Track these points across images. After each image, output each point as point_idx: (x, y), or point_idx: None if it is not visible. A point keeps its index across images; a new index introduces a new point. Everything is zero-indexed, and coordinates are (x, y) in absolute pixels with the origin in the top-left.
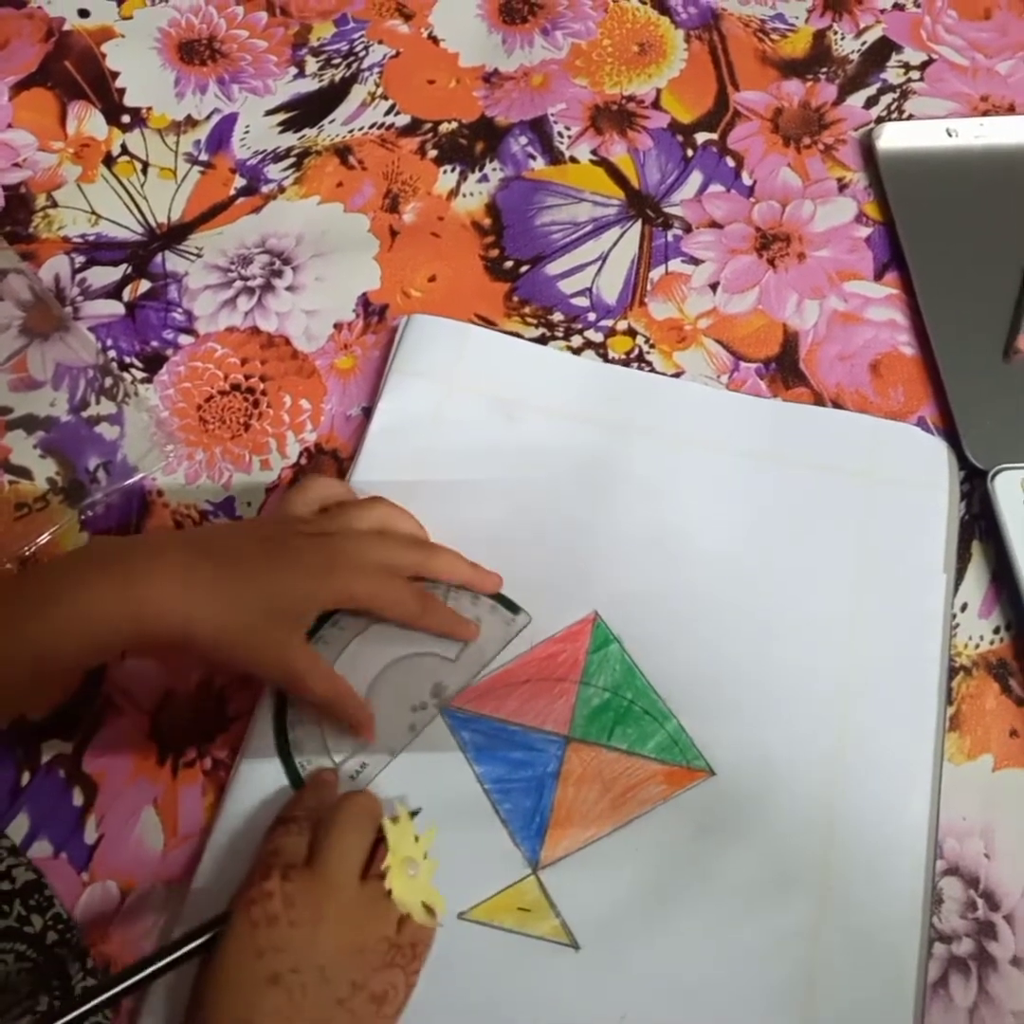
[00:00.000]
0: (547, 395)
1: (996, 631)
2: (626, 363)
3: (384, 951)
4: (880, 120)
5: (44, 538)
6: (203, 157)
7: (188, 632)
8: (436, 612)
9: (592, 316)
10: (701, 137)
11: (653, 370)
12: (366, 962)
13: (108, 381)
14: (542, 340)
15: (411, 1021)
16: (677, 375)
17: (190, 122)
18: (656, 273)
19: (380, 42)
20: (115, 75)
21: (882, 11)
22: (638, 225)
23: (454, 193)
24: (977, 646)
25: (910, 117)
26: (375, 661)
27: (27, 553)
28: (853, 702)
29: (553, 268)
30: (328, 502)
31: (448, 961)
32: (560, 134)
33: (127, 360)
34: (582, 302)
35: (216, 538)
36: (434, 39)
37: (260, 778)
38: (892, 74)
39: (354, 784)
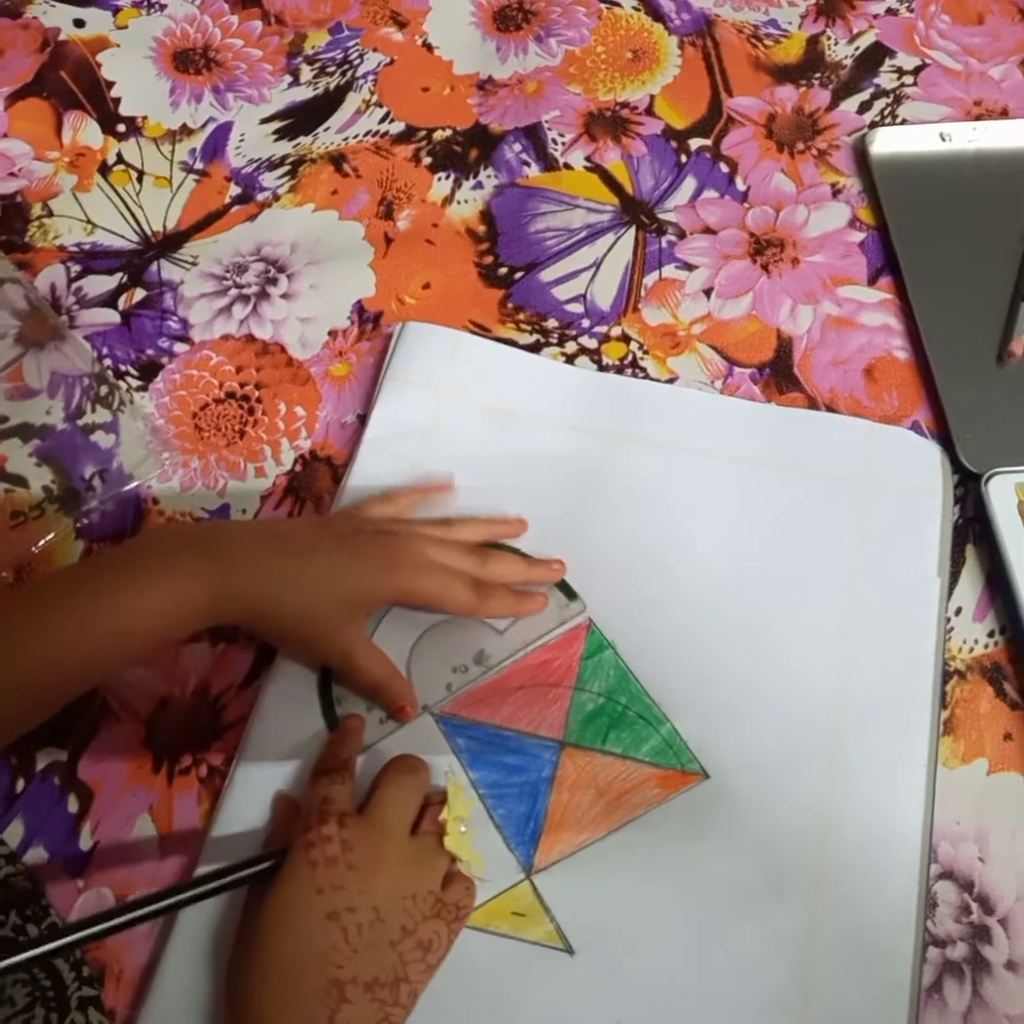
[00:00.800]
0: (541, 404)
1: (990, 635)
2: (620, 369)
3: (432, 903)
4: (873, 125)
5: (40, 546)
6: (198, 166)
7: (261, 612)
8: (495, 599)
9: (586, 322)
10: (695, 143)
11: (647, 376)
12: (417, 909)
13: (104, 389)
14: (536, 346)
15: None
16: (671, 381)
17: (185, 131)
18: (650, 279)
19: (374, 50)
20: (110, 84)
21: (875, 16)
22: (632, 231)
23: (449, 200)
24: (971, 650)
25: (903, 122)
26: (421, 621)
27: (25, 560)
28: (847, 706)
29: (547, 275)
30: (403, 513)
31: (443, 966)
32: (554, 141)
33: (122, 368)
34: (576, 308)
35: (290, 530)
36: (428, 47)
37: (256, 785)
38: (885, 79)
39: (383, 729)
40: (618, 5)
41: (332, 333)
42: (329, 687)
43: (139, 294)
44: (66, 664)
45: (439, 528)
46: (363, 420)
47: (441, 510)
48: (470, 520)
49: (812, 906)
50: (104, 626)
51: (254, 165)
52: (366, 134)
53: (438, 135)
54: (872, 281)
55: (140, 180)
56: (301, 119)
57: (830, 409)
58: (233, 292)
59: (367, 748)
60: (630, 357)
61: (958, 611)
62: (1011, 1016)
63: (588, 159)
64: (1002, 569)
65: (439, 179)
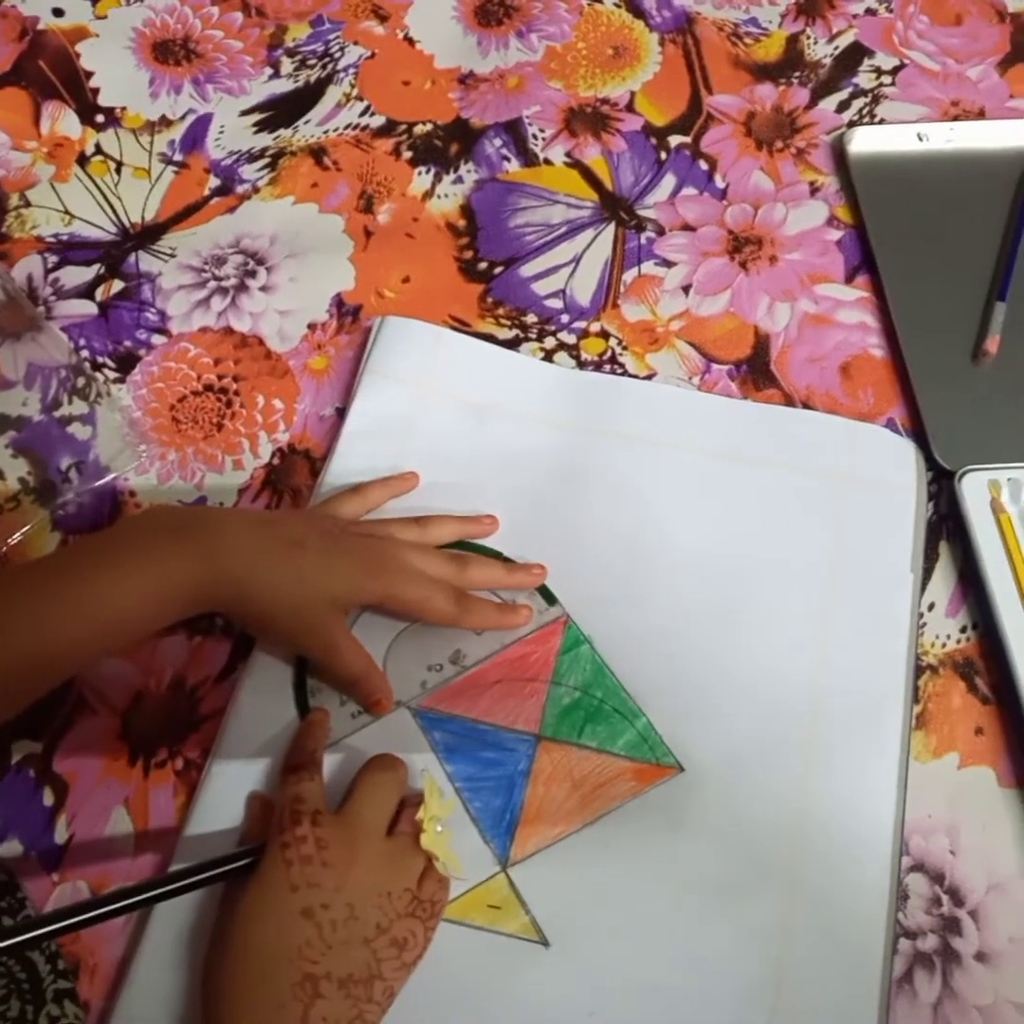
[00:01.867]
0: (519, 400)
1: (963, 630)
2: (599, 365)
3: (407, 901)
4: (852, 124)
5: (15, 538)
6: (177, 157)
7: (249, 597)
8: (476, 612)
9: (565, 318)
10: (674, 140)
11: (625, 372)
12: (392, 907)
13: (80, 381)
14: (516, 341)
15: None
16: (649, 377)
17: (164, 122)
18: (629, 275)
19: (355, 43)
20: (89, 75)
21: (855, 16)
22: (611, 227)
23: (429, 194)
24: (944, 645)
25: (881, 121)
26: (398, 621)
27: (0, 552)
28: (821, 700)
29: (527, 270)
30: (371, 512)
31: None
32: (534, 136)
33: (100, 360)
34: (556, 304)
35: (277, 519)
36: (410, 40)
37: (232, 778)
38: (864, 79)
39: (358, 722)
40: (599, 1)
41: (311, 326)
42: (304, 679)
43: (117, 285)
44: (51, 649)
45: (414, 529)
46: (342, 413)
47: (418, 506)
48: (443, 519)
49: (785, 898)
50: (89, 610)
51: (234, 157)
52: (347, 127)
53: (419, 129)
54: (849, 279)
55: (119, 171)
56: (281, 111)
57: (806, 406)
58: (212, 284)
59: (340, 741)
60: (609, 353)
61: (931, 607)
62: (980, 1007)
63: (568, 155)
64: (975, 566)
65: (419, 173)
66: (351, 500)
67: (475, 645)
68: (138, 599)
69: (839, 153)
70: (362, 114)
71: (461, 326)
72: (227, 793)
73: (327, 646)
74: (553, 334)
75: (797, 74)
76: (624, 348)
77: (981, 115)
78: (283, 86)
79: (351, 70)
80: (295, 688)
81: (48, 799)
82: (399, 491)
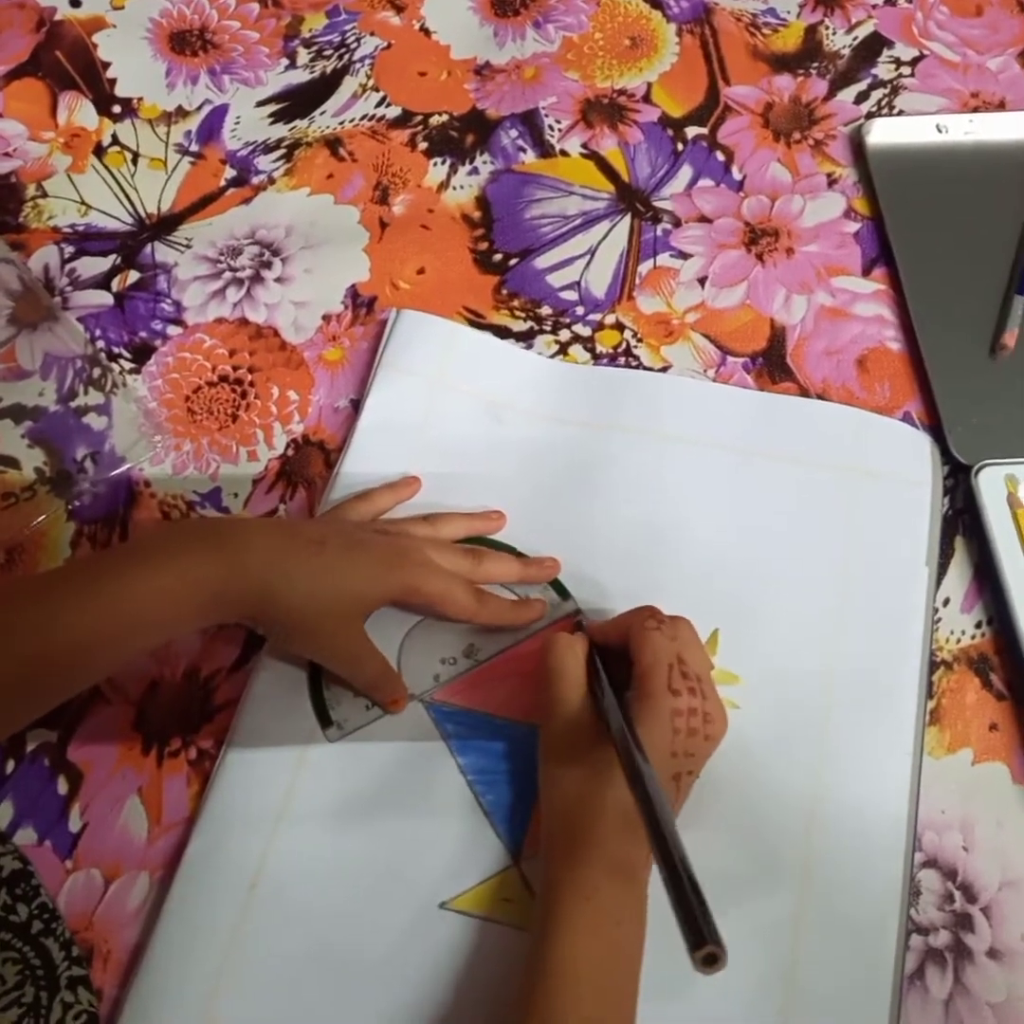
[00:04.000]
0: (533, 397)
1: (978, 626)
2: (614, 357)
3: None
4: (870, 116)
5: (31, 527)
6: (193, 148)
7: (272, 599)
8: (493, 607)
9: (580, 310)
10: (691, 131)
11: (640, 364)
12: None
13: (96, 371)
14: (530, 333)
15: (391, 1010)
16: (664, 369)
17: (181, 113)
18: (645, 267)
19: (372, 34)
20: (106, 65)
21: (874, 6)
22: (627, 219)
23: (444, 186)
24: (959, 641)
25: (900, 113)
26: (411, 615)
27: (16, 541)
28: (835, 694)
29: (542, 261)
30: (382, 513)
31: (430, 950)
32: (551, 127)
33: (115, 350)
34: (571, 296)
35: (300, 524)
36: (426, 31)
37: (246, 768)
38: (883, 70)
39: (369, 715)
40: None
41: (326, 317)
42: (319, 686)
43: (133, 276)
44: (70, 648)
45: (425, 526)
46: (356, 405)
47: (433, 501)
48: (453, 516)
49: (798, 893)
50: (112, 609)
51: (249, 148)
52: (362, 118)
53: (434, 120)
54: (866, 272)
55: (135, 162)
56: (297, 102)
57: (822, 399)
58: (227, 275)
59: (355, 731)
60: (624, 345)
61: (946, 602)
62: (992, 1003)
63: (584, 146)
64: (990, 561)
65: (435, 164)
66: (359, 505)
67: (488, 639)
68: (161, 599)
69: (857, 145)
70: (378, 105)
71: (476, 318)
72: (241, 783)
73: (348, 654)
74: (568, 326)
75: (815, 65)
76: (639, 340)
77: (1001, 107)
78: (299, 77)
79: (367, 61)
80: (312, 696)
81: (62, 787)
82: (404, 497)
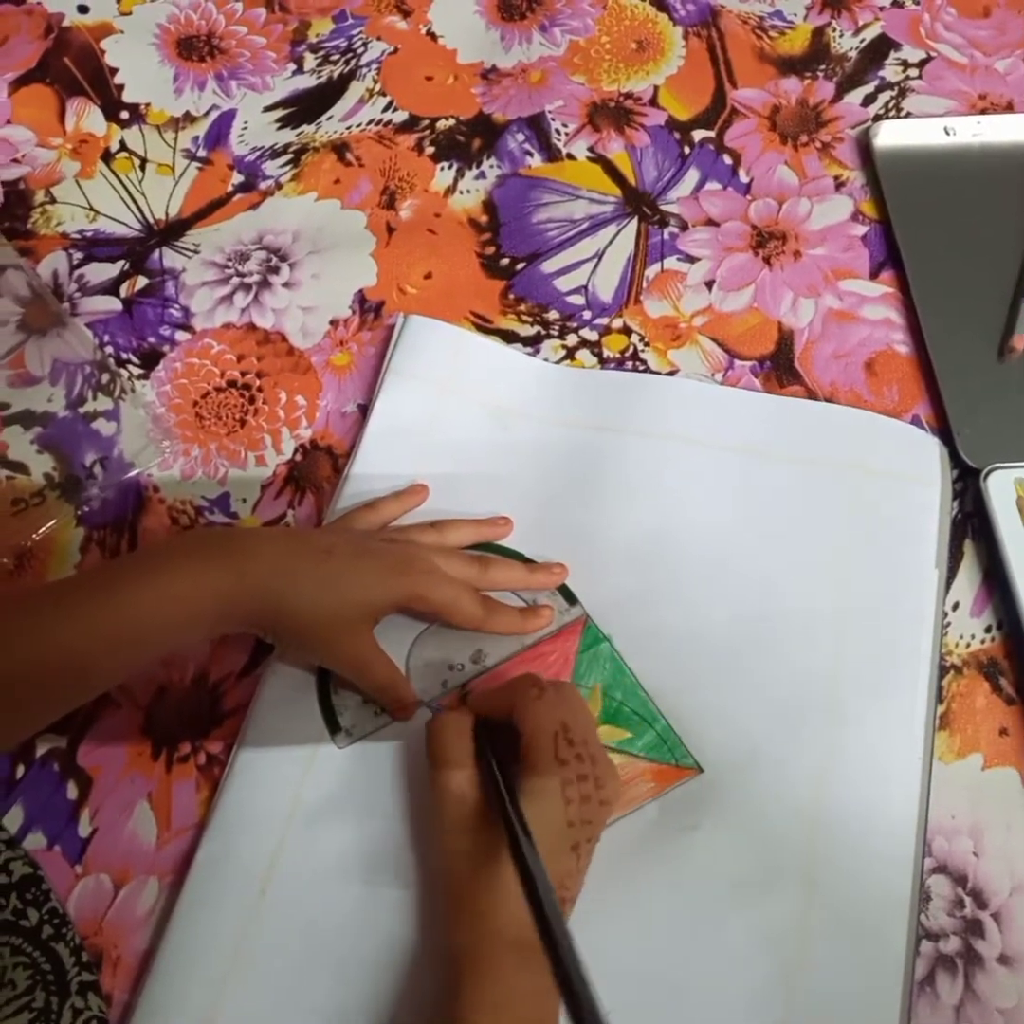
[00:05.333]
0: (542, 404)
1: (987, 630)
2: (621, 361)
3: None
4: (878, 118)
5: (40, 533)
6: (201, 153)
7: (279, 606)
8: (500, 616)
9: (587, 314)
10: (698, 134)
11: (648, 369)
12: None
13: (105, 377)
14: (537, 338)
15: (401, 1015)
16: (672, 373)
17: (188, 118)
18: (652, 271)
19: (378, 39)
20: (114, 71)
21: (881, 8)
22: (634, 223)
23: (451, 190)
24: (968, 645)
25: (908, 115)
26: (418, 622)
27: (25, 546)
28: (842, 699)
29: (549, 265)
30: (389, 522)
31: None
32: (557, 131)
33: (124, 356)
34: (578, 300)
35: (307, 533)
36: (432, 35)
37: (255, 773)
38: (890, 72)
39: (378, 721)
40: None
41: (333, 322)
42: (328, 692)
43: (141, 282)
44: (74, 654)
45: (432, 534)
46: (364, 410)
47: (441, 509)
48: (460, 522)
49: (805, 899)
50: (118, 616)
51: (257, 153)
52: (369, 123)
53: (441, 124)
54: (874, 275)
55: (143, 167)
56: (304, 107)
57: (830, 402)
58: (235, 280)
59: (363, 737)
60: (631, 349)
61: (955, 606)
62: (1003, 1009)
63: (591, 150)
64: (1000, 565)
65: (442, 169)
66: (366, 514)
67: (496, 645)
68: (170, 608)
69: (865, 147)
70: (385, 110)
71: (483, 322)
72: (250, 787)
73: (357, 660)
74: (575, 331)
75: (822, 67)
76: (646, 345)
77: (1009, 109)
78: (306, 82)
79: (374, 66)
80: (321, 703)
81: (72, 793)
82: (411, 505)
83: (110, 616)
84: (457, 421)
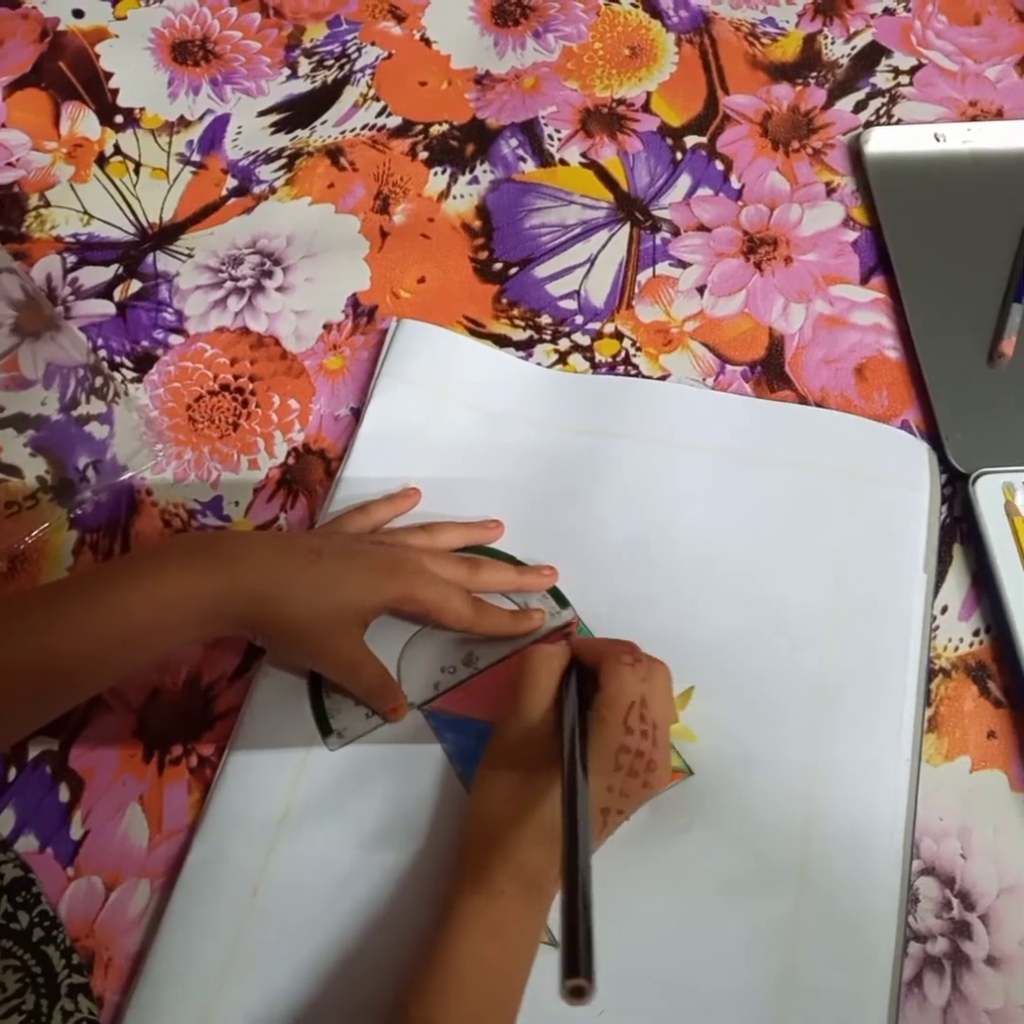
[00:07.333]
0: (534, 407)
1: (976, 634)
2: (613, 366)
3: None
4: (869, 125)
5: (33, 536)
6: (195, 158)
7: (270, 612)
8: (491, 617)
9: (580, 319)
10: (690, 140)
11: (639, 373)
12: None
13: (98, 380)
14: (530, 342)
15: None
16: (663, 378)
17: (183, 123)
18: (644, 276)
19: (372, 44)
20: (109, 75)
21: (872, 16)
22: (626, 228)
23: (444, 195)
24: (956, 648)
25: (899, 122)
26: (409, 625)
27: (18, 549)
28: (832, 702)
29: (542, 270)
30: (380, 526)
31: None
32: (550, 137)
33: (117, 359)
34: (570, 305)
35: (296, 536)
36: (426, 41)
37: (247, 775)
38: (881, 79)
39: (369, 723)
40: (616, 1)
41: (327, 326)
42: (320, 694)
43: (135, 286)
44: (90, 656)
45: (422, 536)
46: (357, 414)
47: (434, 513)
48: (450, 525)
49: (795, 901)
50: (107, 617)
51: (251, 158)
52: (363, 128)
53: (435, 130)
54: (864, 280)
55: (137, 172)
56: (298, 112)
57: (821, 407)
58: (228, 284)
59: (355, 740)
60: (623, 354)
61: (944, 610)
62: (990, 1011)
63: (584, 155)
64: (988, 568)
65: (435, 174)
66: (357, 518)
67: (488, 647)
68: (160, 612)
69: (856, 153)
70: (379, 115)
71: (476, 327)
72: (242, 790)
73: (347, 663)
74: (567, 335)
75: (814, 74)
76: (638, 349)
77: (999, 115)
78: (300, 87)
79: (368, 71)
80: (313, 705)
81: (64, 795)
82: (402, 509)
83: (100, 620)
84: (449, 424)
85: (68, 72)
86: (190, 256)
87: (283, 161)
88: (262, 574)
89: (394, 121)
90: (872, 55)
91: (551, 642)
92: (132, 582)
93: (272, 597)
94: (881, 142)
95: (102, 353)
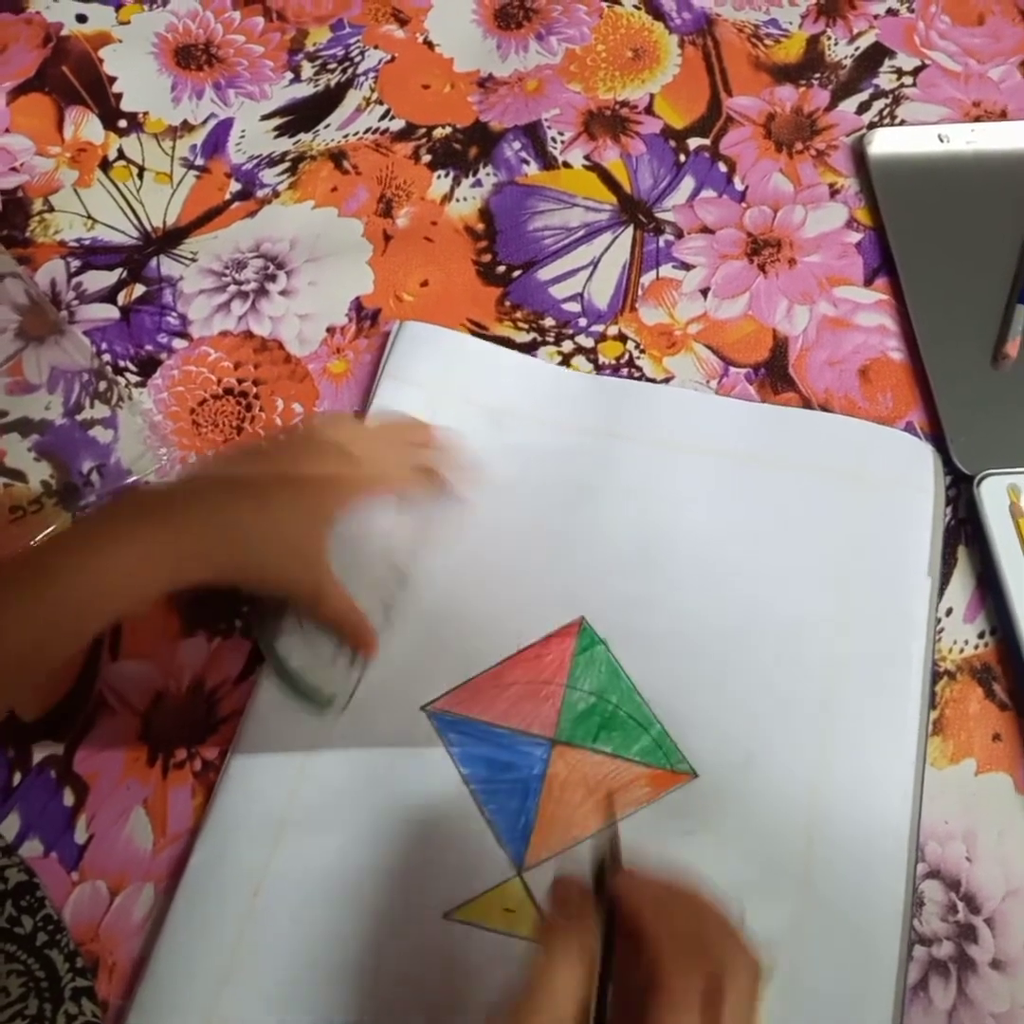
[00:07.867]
0: (535, 405)
1: (981, 636)
2: (616, 368)
3: None
4: (872, 126)
5: (38, 540)
6: (199, 162)
7: (228, 554)
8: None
9: (583, 321)
10: (694, 142)
11: (643, 375)
12: None
13: (102, 385)
14: (533, 345)
15: (394, 1019)
16: (667, 380)
17: (186, 127)
18: (647, 278)
19: (376, 47)
20: (112, 80)
21: (876, 17)
22: (630, 230)
23: (448, 198)
24: (961, 651)
25: (902, 123)
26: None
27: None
28: (836, 705)
29: (545, 273)
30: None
31: (432, 960)
32: (553, 139)
33: (121, 364)
34: (573, 307)
35: (245, 477)
36: (429, 44)
37: (249, 778)
38: (885, 79)
39: (352, 675)
40: (619, 4)
41: (330, 330)
42: (286, 670)
43: (139, 290)
44: (46, 639)
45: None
46: (360, 417)
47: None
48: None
49: (799, 904)
50: (82, 594)
51: (254, 162)
52: (366, 131)
53: (438, 133)
54: (868, 282)
55: (141, 176)
56: (302, 116)
57: (825, 409)
58: (232, 288)
59: (340, 699)
60: (626, 356)
61: (949, 612)
62: (996, 1014)
63: (587, 158)
64: (993, 571)
65: (438, 177)
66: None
67: (491, 647)
68: (121, 581)
69: (859, 155)
70: (382, 118)
71: (479, 330)
72: (244, 793)
73: (310, 588)
74: (571, 338)
75: (817, 75)
76: (642, 351)
77: (1003, 116)
78: (303, 90)
79: (371, 74)
80: (288, 684)
81: (69, 799)
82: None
83: (60, 600)
84: (453, 423)
85: (72, 77)
86: (194, 260)
87: (286, 165)
88: (210, 532)
89: (397, 124)
90: (875, 56)
91: (552, 647)
92: (86, 558)
93: (223, 552)
94: (885, 143)
95: (106, 357)
